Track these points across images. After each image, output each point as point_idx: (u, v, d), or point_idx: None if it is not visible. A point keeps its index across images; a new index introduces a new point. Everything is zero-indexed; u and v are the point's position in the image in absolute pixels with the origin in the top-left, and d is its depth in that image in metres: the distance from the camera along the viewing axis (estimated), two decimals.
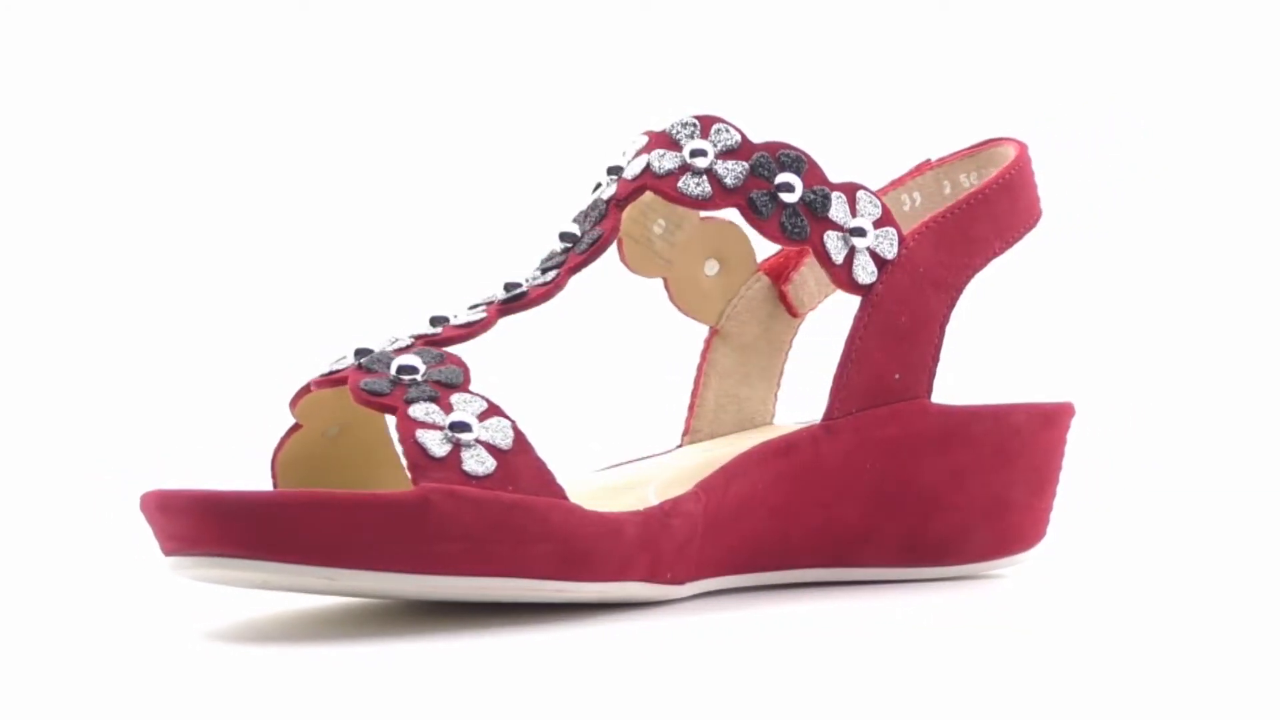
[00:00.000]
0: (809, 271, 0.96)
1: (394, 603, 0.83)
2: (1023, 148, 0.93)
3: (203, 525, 0.74)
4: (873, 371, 0.87)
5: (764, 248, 0.96)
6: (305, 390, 0.82)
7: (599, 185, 0.88)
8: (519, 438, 0.78)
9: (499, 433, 0.78)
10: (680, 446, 0.95)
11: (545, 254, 0.86)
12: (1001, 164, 0.95)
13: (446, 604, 0.80)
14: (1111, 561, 0.96)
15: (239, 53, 1.42)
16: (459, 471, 0.76)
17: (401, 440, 0.77)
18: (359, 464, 0.85)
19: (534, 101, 1.40)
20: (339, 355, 0.82)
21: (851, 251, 0.86)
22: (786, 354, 0.98)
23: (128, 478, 1.17)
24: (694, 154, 0.85)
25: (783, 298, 0.96)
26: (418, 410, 0.77)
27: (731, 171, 0.85)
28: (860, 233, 0.87)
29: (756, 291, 0.96)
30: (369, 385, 0.78)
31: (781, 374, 0.97)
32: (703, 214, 0.93)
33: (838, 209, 0.86)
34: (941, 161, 0.96)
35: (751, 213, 0.85)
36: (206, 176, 1.41)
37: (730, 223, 0.95)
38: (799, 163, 0.86)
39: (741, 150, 0.86)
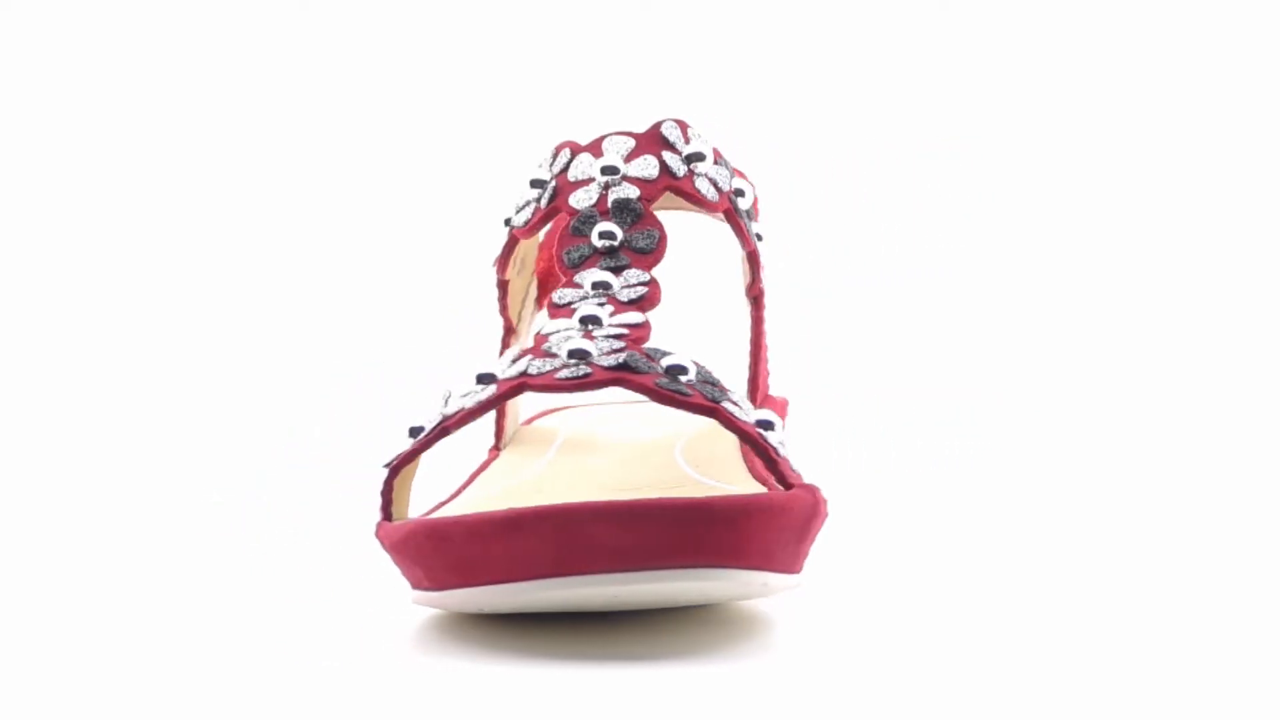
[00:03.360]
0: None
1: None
2: None
3: (684, 533, 0.69)
4: (764, 368, 0.94)
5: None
6: (516, 388, 0.77)
7: (556, 189, 0.87)
8: None
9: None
10: (499, 451, 0.96)
11: (572, 254, 0.84)
12: None
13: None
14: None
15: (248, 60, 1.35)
16: (790, 468, 0.76)
17: (754, 440, 0.75)
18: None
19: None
20: (515, 360, 0.78)
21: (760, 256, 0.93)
22: None
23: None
24: (692, 158, 0.87)
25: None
26: (733, 410, 0.76)
27: (720, 175, 0.88)
28: (760, 238, 0.93)
29: (530, 294, 0.99)
30: (669, 385, 0.75)
31: None
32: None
33: (757, 217, 0.92)
34: None
35: (736, 215, 0.88)
36: (207, 178, 1.34)
37: None
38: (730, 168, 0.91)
39: (713, 155, 0.88)
